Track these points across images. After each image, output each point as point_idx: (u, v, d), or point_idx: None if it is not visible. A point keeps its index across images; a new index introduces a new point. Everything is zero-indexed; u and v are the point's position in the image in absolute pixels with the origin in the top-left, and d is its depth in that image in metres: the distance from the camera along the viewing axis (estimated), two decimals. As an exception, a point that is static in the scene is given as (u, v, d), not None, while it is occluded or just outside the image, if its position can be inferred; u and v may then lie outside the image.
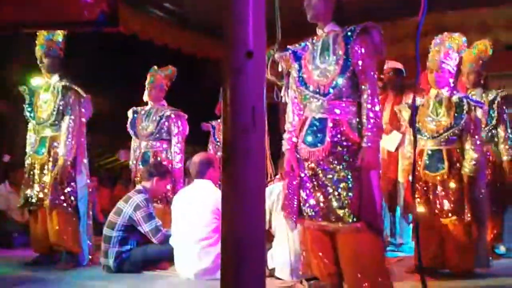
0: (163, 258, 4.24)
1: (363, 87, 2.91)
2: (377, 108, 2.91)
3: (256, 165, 1.19)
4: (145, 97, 5.30)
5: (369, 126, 2.86)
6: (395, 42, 6.33)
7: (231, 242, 1.21)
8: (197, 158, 4.26)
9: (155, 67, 5.31)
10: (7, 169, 6.74)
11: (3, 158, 7.06)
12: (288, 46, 3.24)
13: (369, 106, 2.88)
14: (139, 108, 5.34)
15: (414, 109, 2.98)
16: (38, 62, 4.64)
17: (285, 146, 3.14)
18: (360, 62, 2.91)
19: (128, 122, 5.33)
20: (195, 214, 3.95)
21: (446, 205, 3.83)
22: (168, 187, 4.93)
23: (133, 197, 4.32)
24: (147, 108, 5.30)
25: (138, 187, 4.57)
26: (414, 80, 4.60)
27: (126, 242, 4.23)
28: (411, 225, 4.32)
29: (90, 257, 4.56)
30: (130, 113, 5.36)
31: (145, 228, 4.21)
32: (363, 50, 2.92)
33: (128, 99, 5.62)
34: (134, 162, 5.26)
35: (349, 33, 2.96)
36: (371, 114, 2.87)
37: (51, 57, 4.59)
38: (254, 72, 1.18)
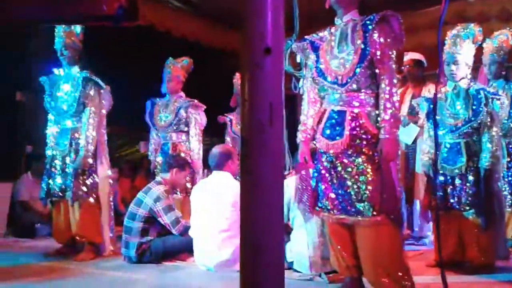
0: (183, 250, 4.28)
1: (381, 77, 2.87)
2: (395, 98, 2.86)
3: (273, 161, 1.19)
4: (164, 90, 5.33)
5: (387, 117, 2.82)
6: (414, 32, 6.23)
7: (250, 235, 1.22)
8: (216, 150, 4.27)
9: (171, 58, 5.32)
10: (29, 160, 6.84)
11: (26, 149, 7.16)
12: (305, 37, 3.21)
13: (386, 96, 2.84)
14: (157, 99, 5.38)
15: (435, 102, 2.92)
16: (58, 54, 4.68)
17: (300, 138, 3.12)
18: (378, 52, 2.86)
19: (146, 114, 5.37)
20: (214, 206, 3.97)
21: (464, 198, 3.79)
22: (187, 178, 4.96)
23: (153, 189, 4.36)
24: (165, 99, 5.33)
25: (158, 178, 4.60)
26: (433, 72, 4.56)
27: (147, 233, 4.28)
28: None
29: (111, 247, 4.62)
30: (148, 105, 5.40)
31: (165, 219, 4.24)
32: (381, 40, 2.87)
33: (147, 91, 5.65)
34: (153, 153, 5.31)
35: (367, 22, 2.92)
36: (388, 105, 2.83)
37: (71, 49, 4.63)
38: (272, 68, 1.17)
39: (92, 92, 4.58)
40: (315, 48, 3.14)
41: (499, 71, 4.71)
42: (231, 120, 6.15)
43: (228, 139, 6.17)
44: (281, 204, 1.26)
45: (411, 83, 5.34)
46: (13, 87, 7.02)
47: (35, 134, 7.32)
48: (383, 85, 2.86)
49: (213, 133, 6.64)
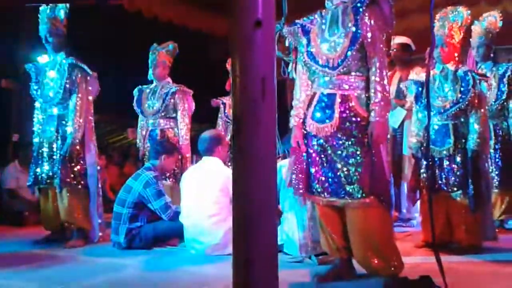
0: (173, 235, 4.28)
1: (371, 60, 2.87)
2: (385, 81, 2.86)
3: (267, 136, 1.18)
4: (150, 77, 5.30)
5: (377, 100, 2.82)
6: (402, 16, 6.23)
7: (243, 213, 1.21)
8: (206, 135, 4.26)
9: (156, 44, 5.28)
10: (16, 148, 6.78)
11: (12, 138, 7.10)
12: (296, 21, 3.19)
13: (377, 79, 2.84)
14: (144, 86, 5.35)
15: (428, 84, 2.92)
16: (43, 41, 4.61)
17: (292, 122, 3.11)
18: (369, 34, 2.85)
19: (134, 101, 5.34)
20: (204, 191, 3.97)
21: (452, 179, 3.83)
22: (176, 163, 4.94)
23: (142, 175, 4.35)
24: (152, 86, 5.30)
25: (147, 164, 4.59)
26: (421, 55, 4.56)
27: (136, 219, 4.27)
28: (418, 201, 4.31)
29: (100, 234, 4.60)
30: (135, 92, 5.37)
31: (154, 205, 4.23)
32: (372, 22, 2.86)
33: (135, 77, 5.61)
34: (142, 140, 5.28)
35: (358, 5, 2.90)
36: (379, 88, 2.83)
37: (56, 36, 4.57)
38: (264, 42, 1.15)
39: (78, 79, 4.53)
40: (306, 32, 3.12)
41: (487, 54, 4.73)
42: (224, 104, 6.14)
43: (220, 122, 6.16)
44: (275, 181, 1.25)
45: (398, 67, 5.35)
46: (-2, 74, 6.93)
47: (21, 122, 7.26)
48: (373, 68, 2.85)
49: (202, 119, 6.62)
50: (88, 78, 4.60)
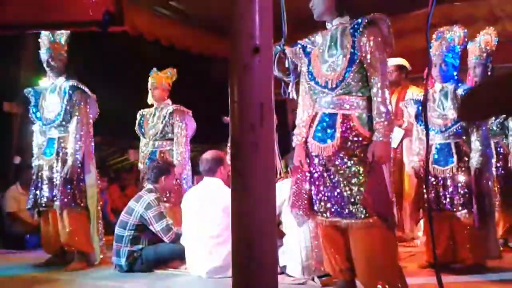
0: (174, 257, 4.25)
1: (372, 80, 2.88)
2: (387, 101, 2.87)
3: (265, 160, 1.17)
4: (149, 100, 5.35)
5: (380, 120, 2.82)
6: (401, 36, 6.27)
7: (242, 238, 1.20)
8: (207, 155, 4.25)
9: (155, 69, 5.36)
10: (18, 170, 6.78)
11: (14, 160, 7.10)
12: (298, 41, 3.22)
13: (379, 99, 2.84)
14: (145, 110, 5.40)
15: (425, 103, 2.93)
16: (44, 65, 4.65)
17: (295, 141, 3.12)
18: (368, 56, 2.87)
19: (136, 124, 5.40)
20: (205, 212, 3.95)
21: (456, 198, 3.80)
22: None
23: (144, 197, 4.34)
24: (152, 108, 5.36)
25: (149, 186, 4.58)
26: (418, 74, 4.58)
27: (138, 241, 4.25)
28: (421, 220, 4.29)
29: (101, 256, 4.57)
30: (138, 115, 5.44)
31: (156, 227, 4.21)
32: (371, 43, 2.88)
33: (138, 99, 5.65)
34: (142, 161, 5.31)
35: (356, 26, 2.93)
36: (382, 108, 2.83)
37: (58, 60, 4.61)
38: (262, 68, 1.16)
39: (78, 101, 4.56)
40: (307, 53, 3.15)
41: (485, 72, 4.73)
42: None
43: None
44: (274, 205, 1.24)
45: (395, 88, 5.38)
46: (0, 97, 6.96)
47: (23, 144, 7.27)
48: (375, 89, 2.86)
49: (204, 139, 6.64)
50: (88, 100, 4.63)
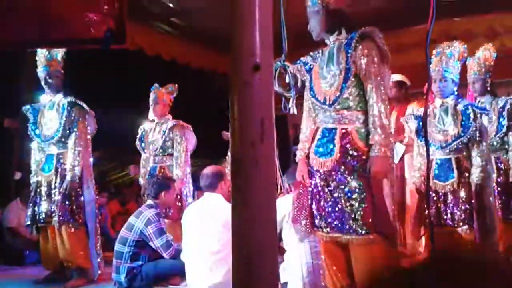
0: (174, 273, 4.23)
1: (368, 94, 2.87)
2: (383, 115, 2.84)
3: (265, 177, 1.18)
4: (150, 115, 5.36)
5: (376, 134, 2.81)
6: (401, 51, 6.30)
7: (242, 254, 1.20)
8: (208, 170, 4.24)
9: (156, 84, 5.39)
10: (19, 186, 6.77)
11: (14, 176, 7.10)
12: (300, 58, 3.25)
13: (375, 113, 2.83)
14: (147, 125, 5.41)
15: (425, 118, 2.92)
16: (42, 82, 4.68)
17: (298, 156, 3.13)
18: (363, 69, 2.87)
19: (137, 138, 5.40)
20: (206, 228, 3.93)
21: (457, 214, 3.79)
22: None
23: (144, 212, 4.32)
24: (153, 124, 5.38)
25: (149, 202, 4.57)
26: (418, 90, 4.60)
27: (138, 258, 4.23)
28: (423, 237, 4.27)
29: (99, 272, 4.54)
30: (139, 130, 5.45)
31: (156, 243, 4.20)
32: (365, 57, 2.88)
33: (138, 115, 5.67)
34: (143, 177, 5.31)
35: (349, 41, 2.94)
36: (377, 122, 2.82)
37: (55, 77, 4.64)
38: (262, 85, 1.17)
39: (77, 117, 4.59)
40: (308, 69, 3.17)
41: (484, 88, 4.74)
42: None
43: (230, 154, 6.18)
44: (274, 222, 1.24)
45: (395, 103, 5.39)
46: (0, 113, 6.98)
47: (24, 160, 7.27)
48: (370, 102, 2.85)
49: (205, 154, 6.64)
50: (87, 116, 4.66)
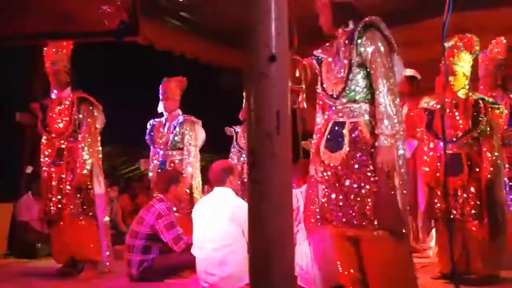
0: (185, 266, 4.24)
1: (374, 85, 2.82)
2: (390, 105, 2.77)
3: (282, 169, 1.17)
4: (160, 108, 5.36)
5: (382, 125, 2.75)
6: (412, 45, 6.24)
7: (259, 246, 1.20)
8: (217, 165, 4.25)
9: (165, 78, 5.37)
10: (30, 180, 6.82)
11: (26, 169, 7.15)
12: (314, 52, 3.23)
13: (381, 103, 2.76)
14: (155, 120, 5.43)
15: (443, 113, 2.86)
16: (50, 77, 4.70)
17: (312, 149, 3.12)
18: (369, 58, 2.83)
19: (147, 133, 5.42)
20: (215, 222, 3.94)
21: (467, 209, 3.77)
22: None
23: (155, 206, 4.34)
24: (163, 118, 5.38)
25: (159, 195, 4.58)
26: (431, 83, 4.56)
27: (149, 251, 4.25)
28: (433, 230, 4.25)
29: (107, 263, 4.57)
30: (148, 125, 5.45)
31: (166, 236, 4.21)
32: (370, 47, 2.83)
33: (147, 109, 5.68)
34: (152, 171, 5.31)
35: (354, 33, 2.91)
36: (384, 112, 2.75)
37: (63, 72, 4.67)
38: (278, 76, 1.16)
39: (86, 112, 4.63)
40: (319, 63, 3.16)
41: (495, 82, 4.69)
42: (237, 133, 6.17)
43: (233, 150, 6.19)
44: (291, 213, 1.24)
45: (407, 99, 5.35)
46: (11, 107, 7.03)
47: (35, 154, 7.32)
48: (377, 92, 2.79)
49: (214, 149, 6.65)
50: (95, 110, 4.68)
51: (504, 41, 4.66)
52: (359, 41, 2.87)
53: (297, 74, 3.49)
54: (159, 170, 5.18)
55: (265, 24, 1.16)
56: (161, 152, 5.27)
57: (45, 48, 4.72)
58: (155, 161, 5.35)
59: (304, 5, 3.21)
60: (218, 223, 3.93)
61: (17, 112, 6.98)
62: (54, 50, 4.65)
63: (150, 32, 6.66)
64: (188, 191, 5.05)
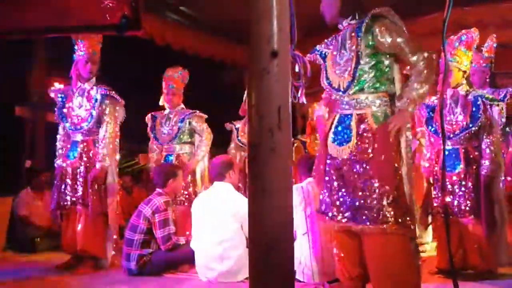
0: (184, 261, 4.26)
1: (409, 61, 2.85)
2: (422, 78, 2.81)
3: (283, 165, 1.18)
4: (161, 102, 5.34)
5: (410, 94, 2.79)
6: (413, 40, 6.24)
7: (259, 240, 1.21)
8: (217, 160, 4.27)
9: (167, 71, 5.33)
10: (29, 174, 6.82)
11: (25, 164, 7.15)
12: (316, 46, 3.23)
13: (420, 66, 2.81)
14: (157, 113, 5.39)
15: (442, 109, 2.86)
16: (78, 66, 4.60)
17: (319, 143, 3.13)
18: (387, 44, 2.84)
19: (148, 127, 5.39)
20: (215, 217, 3.96)
21: (463, 204, 3.79)
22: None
23: (154, 200, 4.35)
24: (165, 112, 5.34)
25: (158, 190, 4.59)
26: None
27: (148, 245, 4.26)
28: (430, 226, 4.27)
29: (108, 262, 4.56)
30: (149, 118, 5.41)
31: (158, 233, 4.23)
32: (385, 32, 2.84)
33: (146, 104, 5.67)
34: (156, 165, 5.29)
35: (360, 25, 2.92)
36: (423, 75, 2.80)
37: (93, 63, 4.60)
38: (280, 72, 1.17)
39: (110, 108, 4.56)
40: (323, 57, 3.16)
41: (483, 80, 4.67)
42: (237, 128, 6.17)
43: (232, 145, 6.20)
44: (291, 208, 1.25)
45: None
46: (12, 102, 7.02)
47: (34, 148, 7.33)
48: (412, 59, 2.83)
49: (215, 144, 6.66)
50: (117, 107, 4.64)
51: (494, 38, 4.65)
52: (367, 31, 2.87)
53: (297, 69, 3.49)
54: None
55: (266, 20, 1.16)
56: (166, 147, 5.26)
57: (79, 39, 4.59)
58: (158, 155, 5.32)
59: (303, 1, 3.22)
60: (217, 218, 3.94)
61: (16, 106, 6.97)
62: (97, 40, 4.58)
63: (150, 27, 6.67)
64: (190, 185, 5.06)
